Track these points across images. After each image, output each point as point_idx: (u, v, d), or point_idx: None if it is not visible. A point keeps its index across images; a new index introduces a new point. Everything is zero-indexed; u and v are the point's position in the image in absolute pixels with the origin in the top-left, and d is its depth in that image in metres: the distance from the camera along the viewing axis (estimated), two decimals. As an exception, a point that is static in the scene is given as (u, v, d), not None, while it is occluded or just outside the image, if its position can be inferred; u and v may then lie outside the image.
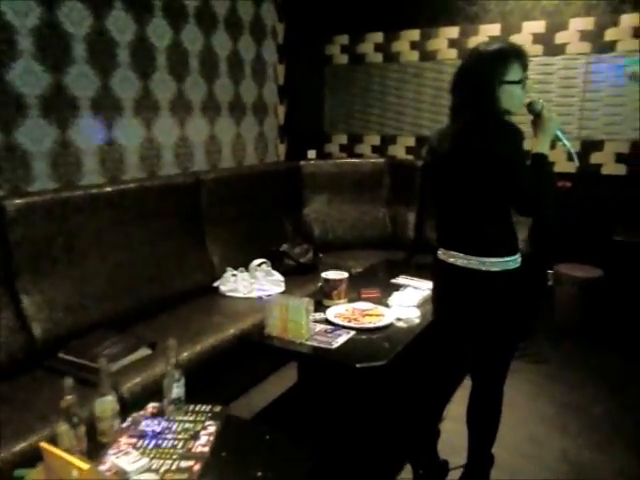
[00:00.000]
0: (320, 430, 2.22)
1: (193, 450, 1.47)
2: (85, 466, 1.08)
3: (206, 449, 1.48)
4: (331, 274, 2.58)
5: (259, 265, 3.18)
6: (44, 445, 1.16)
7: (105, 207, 2.62)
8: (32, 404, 1.90)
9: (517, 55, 1.71)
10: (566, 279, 3.51)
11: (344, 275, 2.59)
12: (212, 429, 1.57)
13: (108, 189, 2.66)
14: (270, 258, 3.32)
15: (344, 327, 2.28)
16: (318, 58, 4.44)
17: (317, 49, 4.40)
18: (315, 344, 2.16)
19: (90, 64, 2.67)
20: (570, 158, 1.86)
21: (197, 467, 1.40)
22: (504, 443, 2.39)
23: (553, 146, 1.78)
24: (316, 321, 2.34)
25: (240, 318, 2.67)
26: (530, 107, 1.74)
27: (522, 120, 1.76)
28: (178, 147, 3.23)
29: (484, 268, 1.75)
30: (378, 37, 4.27)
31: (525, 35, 3.72)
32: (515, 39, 3.73)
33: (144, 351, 2.30)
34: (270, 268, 3.21)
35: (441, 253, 1.88)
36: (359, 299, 2.56)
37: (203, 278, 3.08)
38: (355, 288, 2.63)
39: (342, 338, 2.20)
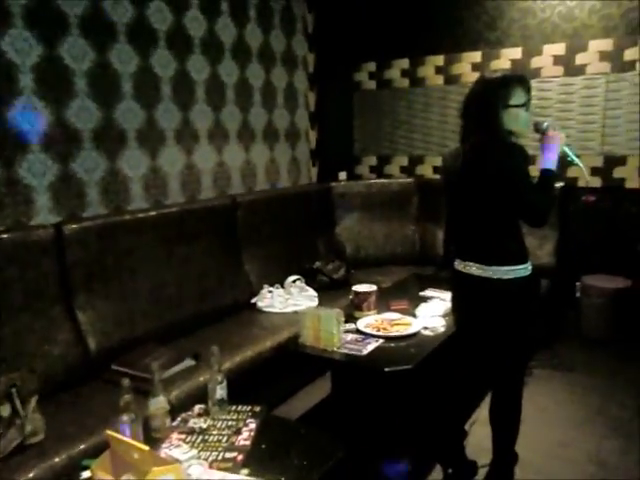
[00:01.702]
0: (353, 433, 2.33)
1: (236, 443, 1.62)
2: (145, 448, 1.24)
3: (248, 442, 1.62)
4: (361, 287, 2.73)
5: (294, 281, 3.34)
6: (110, 432, 1.33)
7: (150, 229, 2.83)
8: (93, 409, 2.07)
9: (519, 81, 1.87)
10: (593, 290, 3.57)
11: (373, 288, 2.73)
12: (252, 425, 1.72)
13: (153, 213, 2.88)
14: (304, 275, 3.48)
15: (373, 336, 2.42)
16: (347, 84, 4.64)
17: (346, 76, 4.61)
18: (346, 351, 2.30)
19: (136, 99, 2.92)
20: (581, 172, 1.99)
21: (240, 457, 1.55)
22: (533, 446, 2.47)
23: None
24: (347, 331, 2.48)
25: (276, 331, 2.82)
26: (536, 127, 1.89)
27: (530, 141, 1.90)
28: (216, 172, 3.46)
29: (497, 276, 1.88)
30: (404, 63, 4.45)
31: (546, 57, 3.83)
32: (536, 61, 3.86)
33: (188, 362, 2.47)
34: (304, 284, 3.36)
35: (458, 264, 2.01)
36: (388, 311, 2.69)
37: (241, 295, 3.26)
38: (385, 301, 2.76)
39: (371, 346, 2.34)
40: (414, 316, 2.63)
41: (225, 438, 1.65)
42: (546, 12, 3.80)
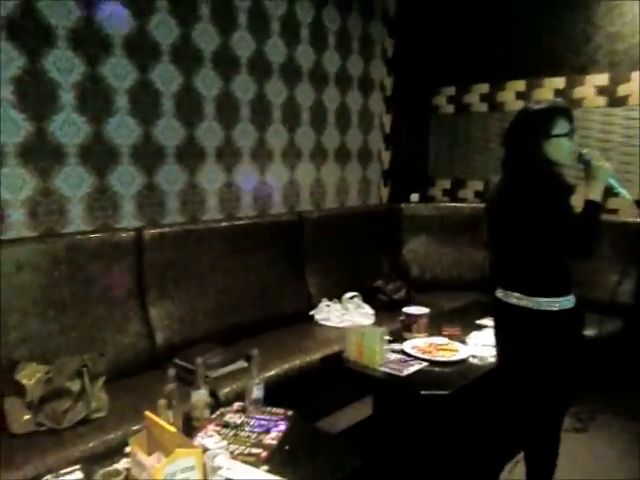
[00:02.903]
0: (388, 454, 2.38)
1: (263, 441, 1.75)
2: (173, 430, 1.41)
3: (274, 442, 1.75)
4: (412, 309, 2.77)
5: (351, 298, 3.45)
6: (148, 413, 1.52)
7: (220, 239, 3.08)
8: (151, 396, 2.25)
9: (561, 111, 1.86)
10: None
11: (424, 311, 2.76)
12: (282, 427, 1.84)
13: (224, 224, 3.14)
14: (364, 293, 3.56)
15: (417, 358, 2.45)
16: (424, 108, 4.70)
17: (424, 99, 4.67)
18: (387, 370, 2.36)
19: (217, 120, 3.20)
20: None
21: (264, 454, 1.68)
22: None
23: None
24: (393, 351, 2.53)
25: (327, 344, 2.93)
26: (580, 158, 1.87)
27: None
28: (286, 189, 3.66)
29: (537, 307, 1.86)
30: (484, 88, 4.44)
31: (634, 84, 3.66)
32: (623, 89, 3.70)
33: (241, 363, 2.65)
34: (361, 301, 3.45)
35: (499, 293, 2.01)
36: (440, 335, 2.70)
37: (301, 306, 3.42)
38: (439, 325, 2.77)
39: (413, 368, 2.37)
40: (464, 343, 2.63)
41: (255, 435, 1.79)
42: (636, 37, 3.64)
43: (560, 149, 1.86)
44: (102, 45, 2.68)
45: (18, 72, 2.43)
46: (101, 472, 1.47)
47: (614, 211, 3.58)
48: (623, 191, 1.92)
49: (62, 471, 1.52)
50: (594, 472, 2.58)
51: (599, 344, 3.23)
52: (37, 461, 1.80)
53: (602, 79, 3.82)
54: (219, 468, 1.53)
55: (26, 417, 1.98)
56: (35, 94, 2.48)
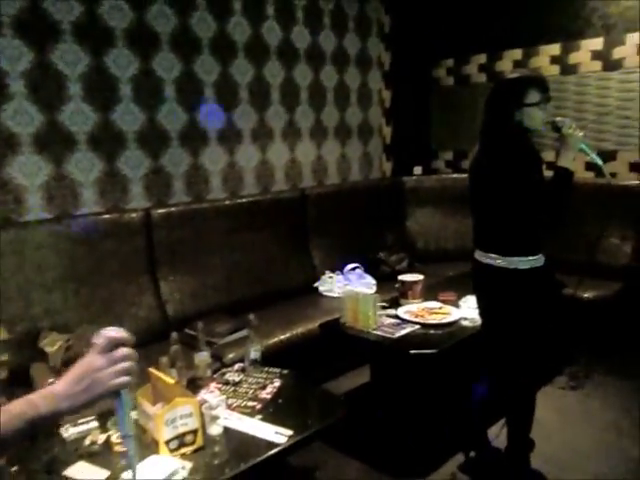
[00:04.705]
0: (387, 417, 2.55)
1: (259, 396, 1.94)
2: (171, 381, 1.60)
3: (269, 396, 1.94)
4: (407, 276, 2.92)
5: (353, 269, 3.60)
6: (150, 369, 1.71)
7: (225, 216, 3.26)
8: None
9: (533, 81, 1.96)
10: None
11: (419, 277, 2.90)
12: (277, 384, 2.03)
13: (227, 202, 3.31)
14: (368, 264, 3.71)
15: (410, 322, 2.60)
16: (424, 81, 4.76)
17: (423, 73, 4.73)
18: (380, 333, 2.52)
19: (218, 103, 3.35)
20: (599, 172, 2.02)
21: (259, 406, 1.87)
22: (571, 445, 2.51)
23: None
24: (388, 316, 2.69)
25: (329, 313, 3.07)
26: (552, 125, 1.96)
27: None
28: (288, 167, 3.81)
29: (512, 266, 2.00)
30: (482, 58, 4.48)
31: (629, 47, 3.67)
32: (618, 52, 3.71)
33: (245, 332, 2.82)
34: (363, 272, 3.60)
35: (477, 254, 2.14)
36: (435, 300, 2.84)
37: (305, 279, 3.58)
38: (437, 291, 2.90)
39: (405, 330, 2.52)
40: (458, 307, 2.76)
41: (252, 391, 1.98)
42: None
43: (532, 117, 1.96)
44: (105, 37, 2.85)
45: (29, 66, 2.61)
46: (112, 419, 1.67)
47: (613, 175, 3.62)
48: (595, 157, 2.01)
49: (80, 420, 1.73)
50: (586, 428, 2.72)
51: (598, 307, 3.33)
52: (61, 417, 2.02)
53: (597, 43, 3.82)
54: (217, 417, 1.72)
55: (50, 380, 2.20)
56: (45, 86, 2.67)
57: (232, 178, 3.50)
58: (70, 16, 2.71)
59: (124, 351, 0.80)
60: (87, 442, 1.67)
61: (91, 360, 0.80)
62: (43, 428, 0.78)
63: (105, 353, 0.79)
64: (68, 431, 1.73)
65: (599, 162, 1.99)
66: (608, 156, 3.73)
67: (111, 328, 0.81)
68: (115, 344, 0.80)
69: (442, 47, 4.65)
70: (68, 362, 2.22)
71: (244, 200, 3.40)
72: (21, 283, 2.48)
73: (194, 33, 3.19)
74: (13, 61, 2.56)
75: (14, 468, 1.56)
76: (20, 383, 2.24)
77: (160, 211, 3.02)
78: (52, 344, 2.23)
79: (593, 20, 3.83)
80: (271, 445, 1.62)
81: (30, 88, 2.63)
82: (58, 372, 2.20)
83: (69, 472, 1.53)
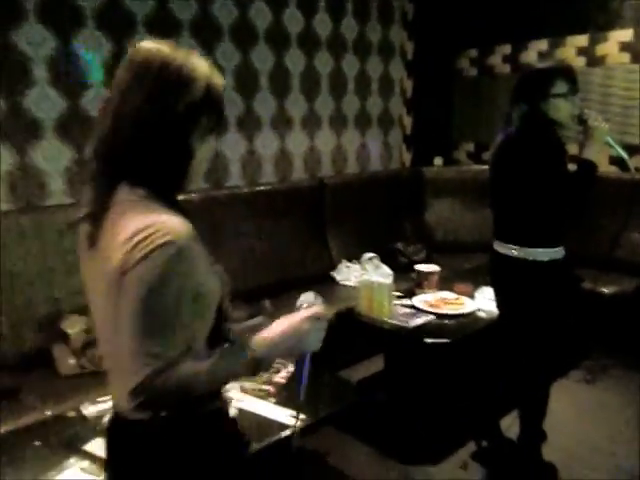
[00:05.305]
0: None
1: (273, 380, 1.96)
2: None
3: (283, 380, 1.96)
4: (423, 267, 2.92)
5: (370, 259, 3.59)
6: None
7: (243, 204, 3.27)
8: None
9: (560, 72, 1.92)
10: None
11: (435, 268, 2.89)
12: (291, 369, 2.04)
13: (245, 190, 3.33)
14: (385, 255, 3.70)
15: (425, 311, 2.60)
16: (447, 71, 4.70)
17: (445, 63, 4.67)
18: (395, 322, 2.52)
19: (237, 90, 3.36)
20: (624, 165, 1.99)
21: (272, 390, 1.89)
22: (585, 439, 2.50)
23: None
24: (403, 305, 2.69)
25: (344, 301, 3.08)
26: (578, 118, 1.93)
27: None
28: (307, 156, 3.80)
29: (531, 257, 1.98)
30: (506, 49, 4.40)
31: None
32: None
33: (261, 319, 2.86)
34: (379, 262, 3.59)
35: (497, 245, 2.12)
36: (451, 291, 2.83)
37: (322, 267, 3.59)
38: (453, 283, 2.89)
39: (420, 320, 2.53)
40: (474, 298, 2.75)
41: (266, 375, 1.99)
42: (661, -10, 3.55)
43: (557, 109, 1.93)
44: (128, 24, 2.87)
45: (51, 52, 2.64)
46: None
47: (637, 169, 3.55)
48: (621, 150, 1.98)
49: (99, 399, 1.77)
50: (601, 422, 2.69)
51: (617, 302, 3.29)
52: (82, 395, 2.07)
53: (626, 35, 3.74)
54: (231, 400, 1.74)
55: (71, 361, 2.26)
56: (67, 72, 2.70)
57: (251, 166, 3.51)
58: (92, 2, 2.74)
59: (324, 324, 1.02)
60: (106, 420, 1.70)
61: (301, 323, 1.00)
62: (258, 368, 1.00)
63: (310, 320, 1.00)
64: (88, 409, 1.77)
65: (624, 155, 1.95)
66: (633, 150, 3.65)
67: (312, 295, 1.10)
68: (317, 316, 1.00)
69: (466, 37, 4.58)
70: (88, 344, 2.27)
71: (262, 188, 3.42)
72: (43, 266, 2.53)
73: (215, 19, 3.19)
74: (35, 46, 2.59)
75: (37, 442, 1.61)
76: (42, 364, 2.31)
77: (180, 198, 3.04)
78: (73, 326, 2.28)
79: (623, 11, 3.74)
80: (284, 427, 1.64)
81: (53, 74, 2.66)
82: (78, 353, 2.25)
83: (88, 447, 1.57)
